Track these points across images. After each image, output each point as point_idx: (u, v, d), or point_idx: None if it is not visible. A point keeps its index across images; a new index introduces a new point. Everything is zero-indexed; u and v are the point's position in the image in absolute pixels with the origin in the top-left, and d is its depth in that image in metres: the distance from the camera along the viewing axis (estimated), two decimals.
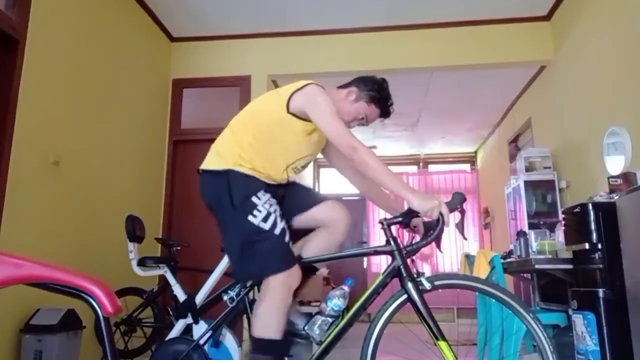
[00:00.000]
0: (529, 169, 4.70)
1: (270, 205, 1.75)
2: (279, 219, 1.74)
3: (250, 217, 1.71)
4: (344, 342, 1.72)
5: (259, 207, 1.72)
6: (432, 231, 1.71)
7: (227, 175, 1.78)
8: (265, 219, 1.71)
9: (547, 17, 4.57)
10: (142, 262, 3.12)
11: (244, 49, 4.88)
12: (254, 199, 1.74)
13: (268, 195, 1.78)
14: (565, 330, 2.95)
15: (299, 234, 1.92)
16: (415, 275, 1.68)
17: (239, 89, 4.81)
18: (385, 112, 1.97)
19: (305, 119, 1.82)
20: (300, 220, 1.88)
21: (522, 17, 4.58)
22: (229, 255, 1.89)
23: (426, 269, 8.02)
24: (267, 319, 1.69)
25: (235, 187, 1.76)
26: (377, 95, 1.92)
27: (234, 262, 1.84)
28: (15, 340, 2.75)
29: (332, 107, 1.77)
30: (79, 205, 3.37)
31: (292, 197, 1.91)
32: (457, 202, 1.71)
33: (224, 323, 2.12)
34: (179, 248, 3.63)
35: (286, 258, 1.72)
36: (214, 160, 1.85)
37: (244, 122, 1.89)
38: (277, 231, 1.72)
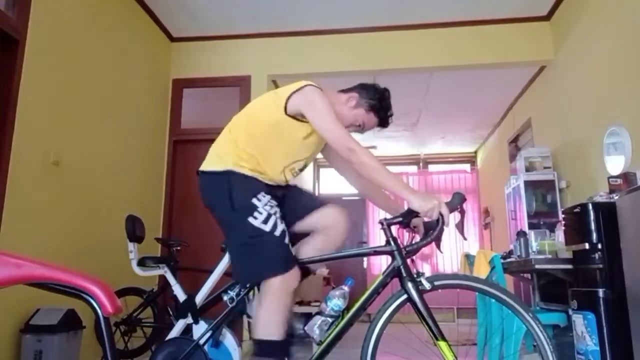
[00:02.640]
0: (529, 169, 4.70)
1: (271, 207, 1.75)
2: (279, 221, 1.74)
3: (250, 219, 1.71)
4: (344, 342, 1.72)
5: (260, 209, 1.72)
6: (432, 231, 1.71)
7: (226, 176, 1.78)
8: (265, 221, 1.71)
9: (547, 17, 4.57)
10: (142, 262, 3.12)
11: (244, 49, 4.88)
12: (254, 200, 1.73)
13: (268, 197, 1.77)
14: (565, 330, 2.95)
15: (297, 236, 1.91)
16: (415, 276, 1.68)
17: (239, 89, 4.81)
18: (383, 122, 1.96)
19: (303, 120, 1.81)
20: (300, 226, 1.88)
21: (522, 17, 4.58)
22: (230, 256, 1.89)
23: (426, 269, 8.02)
24: (268, 321, 1.69)
25: (236, 189, 1.76)
26: (378, 104, 1.91)
27: (233, 262, 1.84)
28: (15, 340, 2.75)
29: (330, 109, 1.77)
30: (79, 205, 3.37)
31: (291, 201, 1.91)
32: (457, 202, 1.71)
33: (224, 323, 2.12)
34: (179, 248, 3.63)
35: (286, 260, 1.71)
36: (213, 161, 1.85)
37: (243, 124, 1.89)
38: (277, 232, 1.71)
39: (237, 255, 1.79)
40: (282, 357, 1.71)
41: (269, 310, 1.69)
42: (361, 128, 1.96)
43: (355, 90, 1.95)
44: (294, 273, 1.71)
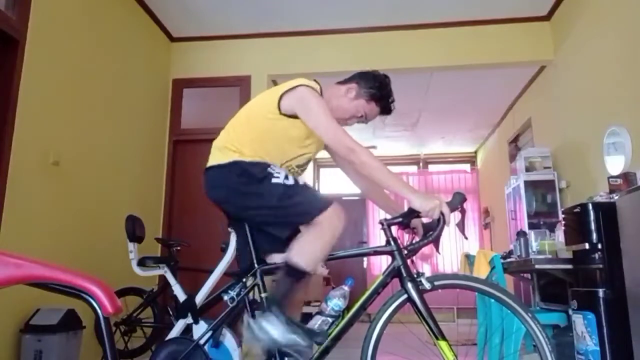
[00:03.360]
0: (529, 169, 4.70)
1: (285, 170, 1.79)
2: (297, 177, 1.79)
3: (274, 180, 1.73)
4: (344, 342, 1.72)
5: (276, 174, 1.74)
6: (433, 231, 1.71)
7: (234, 165, 1.78)
8: (286, 177, 1.74)
9: (547, 17, 4.57)
10: (142, 262, 3.12)
11: (244, 49, 4.88)
12: (269, 169, 1.76)
13: (277, 165, 1.80)
14: (565, 330, 2.95)
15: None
16: (415, 275, 1.68)
17: (239, 89, 4.81)
18: (385, 110, 1.95)
19: (298, 118, 1.80)
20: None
21: (522, 17, 4.58)
22: (268, 225, 1.85)
23: (426, 269, 8.02)
24: (308, 251, 1.68)
25: (249, 166, 1.77)
26: (378, 93, 1.90)
27: (273, 224, 1.82)
28: (15, 340, 2.75)
29: (325, 110, 1.76)
30: (79, 205, 3.37)
31: None
32: (457, 201, 1.72)
33: (224, 323, 2.12)
34: (179, 248, 3.63)
35: (322, 199, 1.72)
36: (217, 156, 1.84)
37: (241, 122, 1.89)
38: (301, 182, 1.76)
39: (276, 214, 1.76)
40: (300, 284, 1.71)
41: (314, 241, 1.68)
42: (364, 119, 1.95)
43: (354, 81, 1.93)
44: (338, 208, 1.70)
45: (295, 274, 1.67)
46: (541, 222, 4.40)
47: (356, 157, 1.69)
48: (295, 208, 1.73)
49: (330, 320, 1.68)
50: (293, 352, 1.62)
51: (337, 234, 1.69)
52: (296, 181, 1.75)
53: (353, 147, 1.69)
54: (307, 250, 1.69)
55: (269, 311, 1.62)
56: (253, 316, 1.67)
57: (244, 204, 1.80)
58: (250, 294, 2.07)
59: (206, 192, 1.86)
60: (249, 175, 1.75)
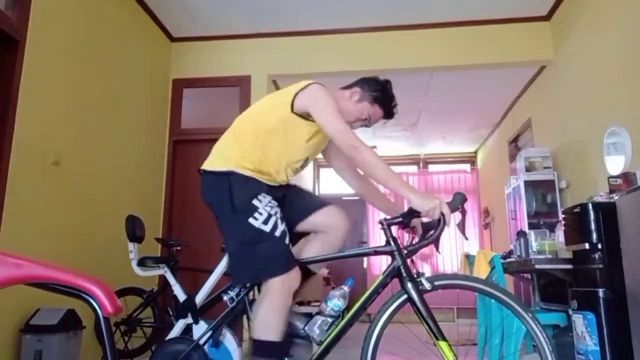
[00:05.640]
0: (529, 169, 4.70)
1: (272, 208, 1.75)
2: (279, 221, 1.74)
3: (251, 220, 1.71)
4: (344, 342, 1.72)
5: (260, 210, 1.73)
6: (433, 231, 1.71)
7: (228, 177, 1.78)
8: (266, 222, 1.71)
9: (547, 17, 4.57)
10: (142, 262, 3.12)
11: (244, 49, 4.88)
12: (255, 201, 1.74)
13: (269, 198, 1.78)
14: (565, 330, 2.95)
15: (298, 236, 1.92)
16: (415, 276, 1.68)
17: (239, 89, 4.81)
18: (388, 113, 1.97)
19: (309, 119, 1.82)
20: (301, 226, 1.89)
21: (522, 17, 4.58)
22: (229, 257, 1.89)
23: (426, 269, 8.02)
24: (267, 321, 1.69)
25: (237, 189, 1.76)
26: (381, 95, 1.92)
27: (233, 263, 1.85)
28: (15, 340, 2.75)
29: (334, 106, 1.77)
30: (79, 205, 3.37)
31: (291, 202, 1.91)
32: (458, 202, 1.71)
33: (224, 323, 2.12)
34: (179, 248, 3.63)
35: (286, 260, 1.72)
36: (216, 160, 1.85)
37: (247, 124, 1.89)
38: (277, 233, 1.72)
39: (237, 256, 1.80)
40: (281, 358, 1.71)
41: (269, 310, 1.69)
42: (367, 122, 1.97)
43: (358, 85, 1.96)
44: (295, 273, 1.71)
45: (265, 349, 1.68)
46: (541, 222, 4.40)
47: (359, 155, 1.69)
48: (253, 258, 1.73)
49: (330, 320, 1.68)
50: None
51: (287, 300, 1.69)
52: (273, 229, 1.71)
53: (357, 145, 1.70)
54: (264, 320, 1.69)
55: None
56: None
57: (221, 218, 1.83)
58: (250, 294, 2.07)
59: (201, 193, 1.88)
60: (235, 195, 1.75)
